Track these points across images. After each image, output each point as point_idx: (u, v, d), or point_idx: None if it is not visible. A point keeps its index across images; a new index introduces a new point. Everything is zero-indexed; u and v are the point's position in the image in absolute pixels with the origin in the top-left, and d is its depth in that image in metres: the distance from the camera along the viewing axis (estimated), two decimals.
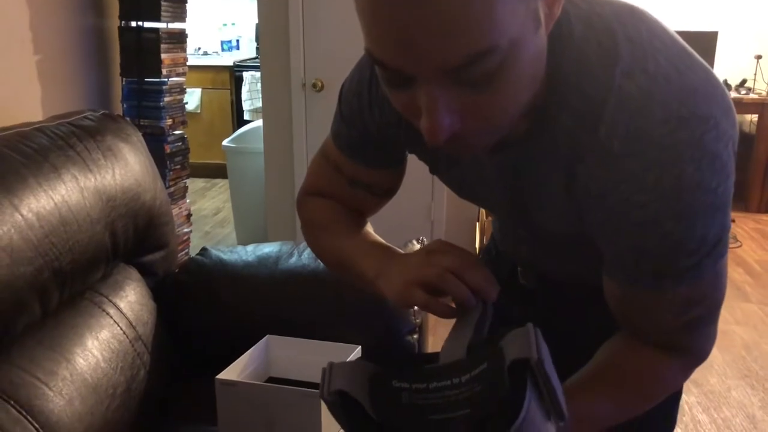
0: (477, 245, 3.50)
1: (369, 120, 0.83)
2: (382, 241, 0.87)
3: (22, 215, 1.17)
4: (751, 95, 4.52)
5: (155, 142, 2.29)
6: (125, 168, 1.47)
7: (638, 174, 0.64)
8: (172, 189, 2.41)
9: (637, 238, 0.67)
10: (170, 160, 2.41)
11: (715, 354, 2.66)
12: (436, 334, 2.27)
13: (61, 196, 1.28)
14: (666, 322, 0.72)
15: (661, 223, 0.65)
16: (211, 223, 4.30)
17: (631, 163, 0.64)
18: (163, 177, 2.31)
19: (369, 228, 0.92)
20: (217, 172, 4.91)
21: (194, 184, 4.57)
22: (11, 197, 1.17)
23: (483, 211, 3.47)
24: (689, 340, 0.75)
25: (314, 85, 3.06)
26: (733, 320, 2.92)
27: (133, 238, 1.49)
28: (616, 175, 0.65)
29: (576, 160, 0.68)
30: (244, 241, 3.56)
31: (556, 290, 0.95)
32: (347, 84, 0.86)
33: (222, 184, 4.92)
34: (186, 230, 2.54)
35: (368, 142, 0.85)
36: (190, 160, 2.56)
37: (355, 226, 0.90)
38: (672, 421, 0.99)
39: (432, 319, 1.95)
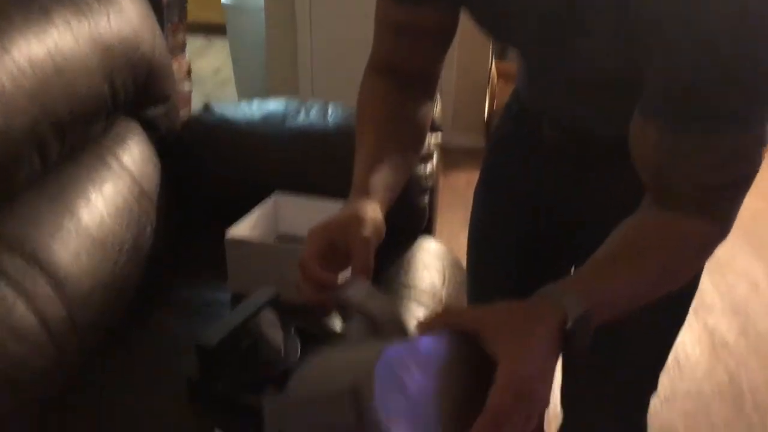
0: (486, 112, 3.42)
1: None
2: (379, 180, 0.81)
3: (13, 60, 1.10)
4: None
5: None
6: (120, 15, 1.37)
7: None
8: (171, 43, 2.29)
9: (691, 67, 0.61)
10: (168, 10, 2.27)
11: None
12: (446, 201, 2.24)
13: (54, 41, 1.19)
14: (703, 176, 0.67)
15: (719, 49, 0.59)
16: (212, 83, 4.18)
17: None
18: (162, 30, 2.19)
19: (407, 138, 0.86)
20: (216, 30, 4.70)
21: (193, 43, 4.39)
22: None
23: (494, 76, 3.36)
24: (721, 203, 0.70)
25: None
26: None
27: (133, 90, 1.42)
28: None
29: None
30: (246, 100, 3.47)
31: (584, 143, 0.90)
32: None
33: (221, 42, 4.72)
34: (187, 88, 2.45)
35: None
36: (187, 19, 2.42)
37: (385, 140, 0.84)
38: (685, 309, 0.97)
39: (444, 186, 1.91)
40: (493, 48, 3.30)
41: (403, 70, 0.85)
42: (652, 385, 1.02)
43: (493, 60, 3.38)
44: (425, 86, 0.88)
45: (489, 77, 3.38)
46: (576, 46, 0.72)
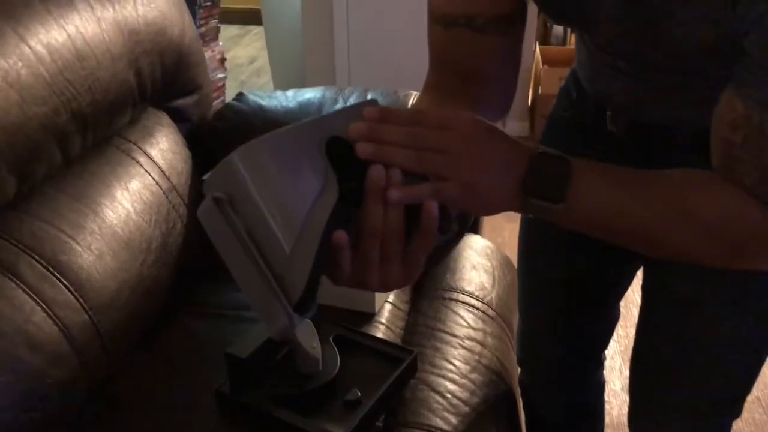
0: (530, 95, 3.28)
1: None
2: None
3: (30, 47, 1.02)
4: None
5: None
6: None
7: None
8: (203, 29, 2.22)
9: None
10: None
11: None
12: None
13: (75, 26, 1.11)
14: None
15: None
16: (247, 72, 4.11)
17: None
18: (193, 16, 2.11)
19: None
20: (251, 18, 4.63)
21: (227, 32, 4.33)
22: (15, 25, 1.01)
23: (538, 60, 3.21)
24: None
25: None
26: None
27: (161, 79, 1.34)
28: None
29: None
30: (282, 89, 3.39)
31: (650, 137, 0.79)
32: None
33: (257, 31, 4.66)
34: (220, 76, 2.37)
35: None
36: (221, 5, 2.34)
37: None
38: None
39: None
40: (536, 31, 3.16)
41: (463, 72, 0.73)
42: (733, 411, 0.89)
43: (536, 44, 3.24)
44: (497, 95, 0.76)
45: (533, 62, 3.24)
46: (658, 29, 0.62)
